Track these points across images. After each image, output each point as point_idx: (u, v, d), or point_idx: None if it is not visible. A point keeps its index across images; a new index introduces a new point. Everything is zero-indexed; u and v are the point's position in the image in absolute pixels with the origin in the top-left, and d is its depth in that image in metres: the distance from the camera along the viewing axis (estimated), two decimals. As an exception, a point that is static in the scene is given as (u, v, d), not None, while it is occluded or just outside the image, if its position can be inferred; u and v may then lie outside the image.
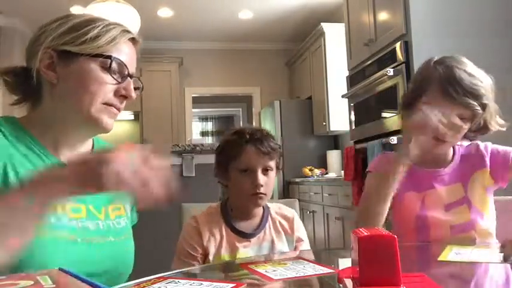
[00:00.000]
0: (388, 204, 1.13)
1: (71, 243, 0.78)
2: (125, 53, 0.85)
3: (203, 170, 2.39)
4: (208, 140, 8.53)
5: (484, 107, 1.12)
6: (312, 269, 0.79)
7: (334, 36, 4.43)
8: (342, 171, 3.95)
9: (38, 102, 0.84)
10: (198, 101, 6.21)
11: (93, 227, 0.84)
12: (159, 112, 5.38)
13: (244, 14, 4.98)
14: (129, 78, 0.85)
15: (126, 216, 0.95)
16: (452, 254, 0.86)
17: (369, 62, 3.06)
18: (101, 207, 0.89)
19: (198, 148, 2.42)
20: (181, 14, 4.89)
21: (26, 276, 0.37)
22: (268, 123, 5.25)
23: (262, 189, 1.13)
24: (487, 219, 1.17)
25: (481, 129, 1.20)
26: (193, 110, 6.09)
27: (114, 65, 0.82)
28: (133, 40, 0.87)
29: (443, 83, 1.12)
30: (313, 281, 0.76)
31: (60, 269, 0.39)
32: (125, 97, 0.85)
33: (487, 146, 1.23)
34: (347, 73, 3.51)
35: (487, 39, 2.55)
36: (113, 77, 0.82)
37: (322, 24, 4.54)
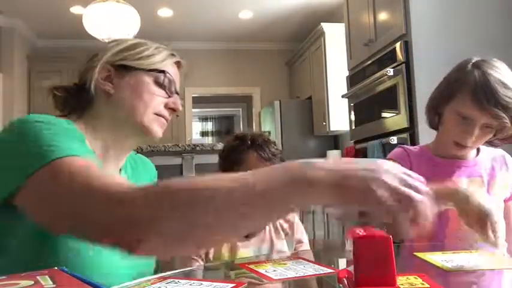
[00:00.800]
0: None
1: None
2: (173, 73, 0.95)
3: (203, 170, 2.39)
4: (208, 140, 8.54)
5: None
6: (312, 269, 0.79)
7: (334, 36, 4.43)
8: (342, 171, 3.95)
9: (90, 112, 0.90)
10: (198, 101, 6.21)
11: None
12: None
13: (244, 14, 4.98)
14: (176, 94, 0.95)
15: None
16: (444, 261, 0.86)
17: (369, 62, 3.06)
18: None
19: (198, 148, 2.42)
20: (181, 14, 4.89)
21: (26, 276, 0.37)
22: (268, 123, 5.25)
23: None
24: (501, 220, 1.19)
25: (509, 139, 1.20)
26: (193, 110, 6.10)
27: (165, 81, 0.92)
28: (178, 63, 0.99)
29: (476, 89, 1.10)
30: (313, 281, 0.76)
31: (61, 269, 0.39)
32: (173, 110, 0.95)
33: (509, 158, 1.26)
34: (347, 73, 3.51)
35: (487, 39, 2.55)
36: (164, 91, 0.92)
37: (322, 24, 4.54)
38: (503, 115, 1.09)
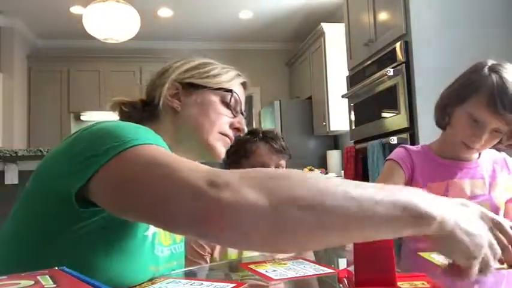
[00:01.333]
0: None
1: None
2: (239, 93, 0.95)
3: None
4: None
5: None
6: (312, 269, 0.79)
7: (334, 36, 4.43)
8: (342, 171, 3.96)
9: (154, 128, 0.87)
10: (198, 101, 6.21)
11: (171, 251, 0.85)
12: (159, 112, 5.38)
13: (244, 14, 4.98)
14: (241, 114, 0.94)
15: (184, 239, 0.95)
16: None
17: (369, 62, 3.06)
18: None
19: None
20: (181, 14, 4.89)
21: (27, 276, 0.37)
22: (268, 123, 5.25)
23: None
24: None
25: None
26: (193, 110, 6.10)
27: (231, 100, 0.92)
28: (244, 84, 0.98)
29: (494, 93, 1.09)
30: (313, 281, 0.76)
31: (61, 269, 0.39)
32: (238, 130, 0.94)
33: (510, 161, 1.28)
34: (347, 73, 3.51)
35: (487, 39, 2.55)
36: (230, 111, 0.91)
37: (322, 24, 4.54)
38: None
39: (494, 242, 0.60)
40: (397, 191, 0.54)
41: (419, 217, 0.52)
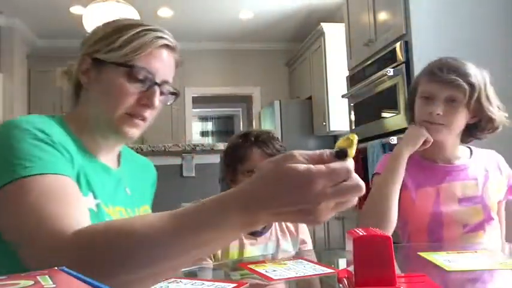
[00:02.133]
0: (394, 203, 1.13)
1: None
2: (155, 60, 0.83)
3: (203, 170, 2.39)
4: (208, 140, 8.54)
5: (472, 86, 1.16)
6: (312, 269, 0.78)
7: (334, 36, 4.43)
8: (342, 171, 3.95)
9: (76, 104, 0.87)
10: (198, 101, 6.21)
11: None
12: (159, 112, 5.37)
13: (244, 14, 4.98)
14: (156, 86, 0.83)
15: None
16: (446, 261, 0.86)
17: (369, 62, 3.06)
18: (135, 209, 0.89)
19: (198, 148, 2.42)
20: (181, 14, 4.89)
21: (26, 276, 0.37)
22: (268, 123, 5.25)
23: None
24: (496, 221, 1.20)
25: (488, 126, 1.22)
26: (193, 110, 6.10)
27: (137, 74, 0.80)
28: (167, 46, 0.85)
29: (431, 68, 1.22)
30: (313, 281, 0.76)
31: (61, 269, 0.39)
32: (147, 106, 0.83)
33: (507, 168, 1.28)
34: (347, 73, 3.51)
35: (487, 39, 2.55)
36: (135, 86, 0.81)
37: (322, 24, 4.53)
38: (461, 81, 1.14)
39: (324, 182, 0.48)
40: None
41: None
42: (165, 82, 0.85)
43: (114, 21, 0.87)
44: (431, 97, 1.19)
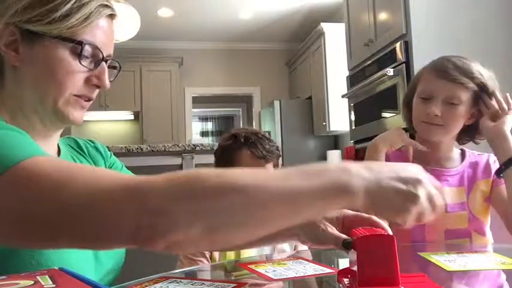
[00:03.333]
0: None
1: None
2: (101, 33, 0.72)
3: (203, 170, 2.39)
4: (208, 140, 8.54)
5: (477, 86, 1.11)
6: (312, 269, 0.78)
7: (334, 36, 4.43)
8: (342, 171, 3.95)
9: (1, 84, 0.71)
10: (198, 101, 6.21)
11: None
12: (159, 112, 5.38)
13: (244, 14, 4.98)
14: (103, 63, 0.73)
15: None
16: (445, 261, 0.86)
17: (369, 62, 3.06)
18: None
19: (198, 148, 2.42)
20: (181, 14, 4.89)
21: (26, 276, 0.37)
22: (268, 123, 5.25)
23: None
24: (486, 228, 1.16)
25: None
26: (193, 110, 6.10)
27: (84, 50, 0.69)
28: (110, 15, 0.74)
29: (435, 66, 1.16)
30: (313, 281, 0.76)
31: (61, 269, 0.39)
32: (97, 86, 0.73)
33: (496, 161, 1.18)
34: (347, 73, 3.51)
35: (487, 39, 2.55)
36: (83, 65, 0.70)
37: (322, 24, 4.54)
38: (464, 79, 1.10)
39: (433, 191, 0.54)
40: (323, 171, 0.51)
41: (343, 190, 0.49)
42: (109, 56, 0.75)
43: None
44: (430, 96, 1.14)
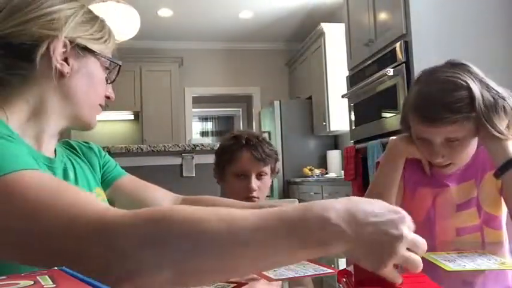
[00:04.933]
0: (395, 190, 1.12)
1: None
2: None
3: (203, 170, 2.39)
4: (208, 140, 8.53)
5: (473, 111, 0.98)
6: (312, 269, 0.78)
7: (334, 36, 4.43)
8: (342, 171, 3.96)
9: (21, 90, 0.71)
10: (198, 101, 6.21)
11: None
12: (159, 112, 5.38)
13: (244, 14, 4.98)
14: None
15: (105, 200, 0.91)
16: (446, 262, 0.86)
17: (369, 62, 3.06)
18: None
19: (198, 148, 2.42)
20: (181, 14, 4.89)
21: (26, 276, 0.37)
22: (268, 123, 5.25)
23: (255, 193, 1.20)
24: (500, 221, 1.13)
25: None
26: (193, 110, 6.10)
27: (114, 71, 0.83)
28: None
29: (419, 111, 1.04)
30: (313, 281, 0.76)
31: (60, 269, 0.39)
32: (108, 98, 0.84)
33: None
34: (347, 73, 3.51)
35: (487, 39, 2.55)
36: (105, 78, 0.81)
37: (322, 24, 4.54)
38: (455, 117, 0.98)
39: (410, 235, 0.52)
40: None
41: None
42: None
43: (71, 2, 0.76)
44: (427, 140, 1.05)
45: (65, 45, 0.71)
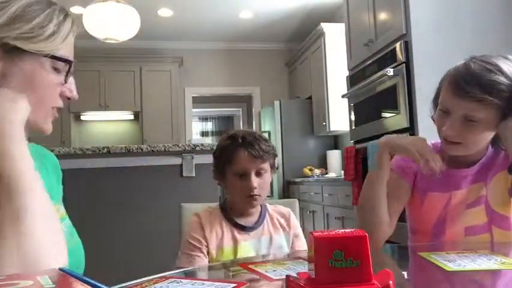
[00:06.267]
0: (382, 200, 1.10)
1: None
2: (72, 48, 0.76)
3: (203, 170, 2.39)
4: (208, 140, 8.53)
5: (505, 100, 0.98)
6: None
7: (334, 36, 4.43)
8: (342, 171, 3.96)
9: None
10: (198, 101, 6.21)
11: None
12: (159, 112, 5.38)
13: (244, 14, 4.98)
14: (72, 76, 0.77)
15: (65, 218, 0.87)
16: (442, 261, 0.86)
17: (369, 62, 3.06)
18: None
19: (198, 148, 2.42)
20: (181, 14, 4.89)
21: (26, 276, 0.37)
22: (268, 123, 5.25)
23: (256, 191, 1.20)
24: (510, 221, 1.12)
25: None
26: (193, 110, 6.10)
27: (63, 65, 0.74)
28: (74, 25, 0.78)
29: (455, 77, 1.04)
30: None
31: (60, 269, 0.39)
32: (68, 98, 0.77)
33: None
34: (347, 73, 3.51)
35: (487, 39, 2.55)
36: (57, 77, 0.74)
37: (322, 24, 4.54)
38: (483, 96, 0.98)
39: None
40: None
41: None
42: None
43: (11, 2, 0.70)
44: (448, 111, 1.05)
45: None
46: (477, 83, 0.99)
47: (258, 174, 1.22)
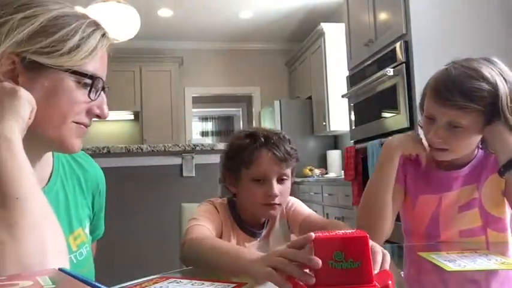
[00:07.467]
0: (389, 198, 1.10)
1: None
2: (102, 63, 0.74)
3: (203, 170, 2.39)
4: (208, 140, 8.53)
5: (489, 105, 0.98)
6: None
7: (334, 36, 4.43)
8: (342, 171, 3.96)
9: None
10: (198, 101, 6.21)
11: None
12: (159, 112, 5.38)
13: (244, 14, 4.98)
14: (102, 92, 0.75)
15: (87, 241, 0.86)
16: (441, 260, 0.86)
17: (369, 62, 3.06)
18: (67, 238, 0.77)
19: (198, 148, 2.42)
20: (181, 14, 4.89)
21: (26, 276, 0.37)
22: (268, 123, 5.25)
23: (277, 200, 1.04)
24: (505, 223, 1.12)
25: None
26: (193, 110, 6.10)
27: (87, 81, 0.71)
28: (108, 41, 0.76)
29: (436, 87, 1.04)
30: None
31: (60, 269, 0.39)
32: (98, 116, 0.75)
33: None
34: (347, 73, 3.51)
35: (487, 39, 2.55)
36: (83, 93, 0.71)
37: (322, 24, 4.54)
38: (465, 104, 0.97)
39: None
40: None
41: None
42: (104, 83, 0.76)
43: (36, 10, 0.67)
44: (433, 118, 1.05)
45: (12, 62, 0.65)
46: (459, 90, 0.99)
47: (280, 180, 1.05)
